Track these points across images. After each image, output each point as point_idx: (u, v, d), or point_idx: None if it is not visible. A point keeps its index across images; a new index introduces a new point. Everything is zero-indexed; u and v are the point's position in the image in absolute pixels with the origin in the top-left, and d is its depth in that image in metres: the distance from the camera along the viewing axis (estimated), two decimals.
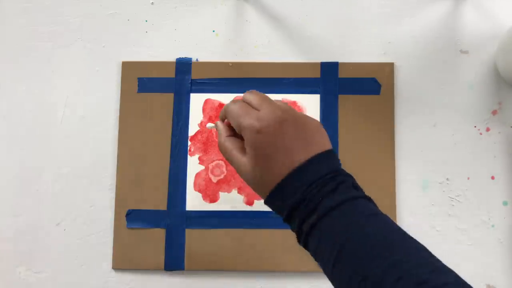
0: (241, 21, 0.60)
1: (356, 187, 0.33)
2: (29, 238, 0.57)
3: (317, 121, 0.36)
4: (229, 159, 0.38)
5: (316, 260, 0.33)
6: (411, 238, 0.31)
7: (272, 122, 0.34)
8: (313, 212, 0.32)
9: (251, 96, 0.38)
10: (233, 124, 0.37)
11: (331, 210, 0.31)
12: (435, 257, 0.29)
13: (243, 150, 0.37)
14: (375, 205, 0.33)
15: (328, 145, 0.35)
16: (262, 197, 0.36)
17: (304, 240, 0.33)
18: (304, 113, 0.37)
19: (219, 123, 0.41)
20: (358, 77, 0.57)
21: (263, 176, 0.34)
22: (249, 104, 0.37)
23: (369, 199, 0.33)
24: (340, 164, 0.35)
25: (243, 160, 0.36)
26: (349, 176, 0.34)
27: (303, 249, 0.52)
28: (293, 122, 0.35)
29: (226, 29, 0.59)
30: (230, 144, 0.38)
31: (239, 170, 0.37)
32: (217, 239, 0.55)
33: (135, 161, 0.57)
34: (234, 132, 0.39)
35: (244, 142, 0.36)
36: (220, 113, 0.41)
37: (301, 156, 0.33)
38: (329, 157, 0.34)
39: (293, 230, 0.34)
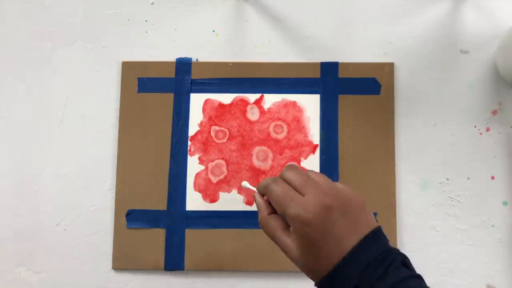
0: (241, 21, 0.60)
1: (406, 264, 0.33)
2: (29, 238, 0.57)
3: (361, 197, 0.36)
4: (273, 239, 0.37)
5: None
6: None
7: (321, 212, 0.33)
8: None
9: (293, 176, 0.36)
10: (277, 209, 0.36)
11: None
12: None
13: (287, 230, 0.36)
14: (424, 283, 0.33)
15: (374, 223, 0.34)
16: (313, 280, 0.35)
17: None
18: (346, 188, 0.36)
19: (258, 198, 0.39)
20: (358, 77, 0.57)
21: (313, 264, 0.34)
22: (290, 184, 0.36)
23: (418, 277, 0.33)
24: (387, 241, 0.34)
25: (290, 244, 0.35)
26: (398, 254, 0.33)
27: None
28: (340, 207, 0.34)
29: (226, 29, 0.59)
30: (273, 223, 0.37)
31: (285, 252, 0.36)
32: (217, 239, 0.55)
33: (135, 161, 0.57)
34: (274, 209, 0.38)
35: (291, 229, 0.35)
36: (258, 187, 0.40)
37: (351, 240, 0.33)
38: (377, 236, 0.34)
39: None
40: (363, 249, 0.33)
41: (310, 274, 0.35)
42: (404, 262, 0.33)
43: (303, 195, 0.34)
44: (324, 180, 0.36)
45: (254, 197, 0.40)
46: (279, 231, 0.36)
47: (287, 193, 0.35)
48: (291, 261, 0.36)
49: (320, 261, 0.33)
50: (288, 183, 0.36)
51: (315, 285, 0.35)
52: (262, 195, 0.39)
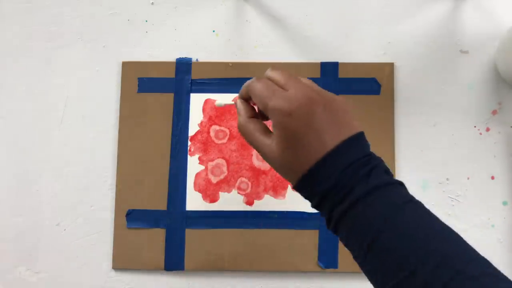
0: (241, 21, 0.60)
1: (387, 171, 0.32)
2: (29, 238, 0.57)
3: (344, 99, 0.35)
4: (251, 142, 0.36)
5: (346, 246, 0.33)
6: (448, 226, 0.31)
7: (303, 104, 0.32)
8: (345, 199, 0.31)
9: (276, 74, 0.35)
10: (258, 104, 0.35)
11: (365, 197, 0.30)
12: (471, 247, 0.29)
13: (267, 132, 0.35)
14: (407, 191, 0.32)
15: (357, 127, 0.33)
16: (291, 183, 0.34)
17: (334, 227, 0.32)
18: (328, 91, 0.35)
19: (239, 102, 0.38)
20: (358, 77, 0.57)
21: (292, 161, 0.33)
22: (274, 82, 0.35)
23: (401, 184, 0.32)
24: (369, 146, 0.34)
25: (270, 144, 0.34)
26: (380, 160, 0.33)
27: (303, 249, 0.52)
28: (323, 102, 0.33)
29: (226, 29, 0.59)
30: (253, 126, 0.36)
31: (264, 154, 0.35)
32: (217, 239, 0.55)
33: (135, 161, 0.57)
34: (255, 113, 0.38)
35: (272, 124, 0.33)
36: (240, 91, 0.39)
37: (333, 139, 0.32)
38: (360, 140, 0.33)
39: (321, 215, 0.33)
40: (346, 149, 0.32)
41: (289, 174, 0.34)
42: (386, 170, 0.32)
43: (285, 90, 0.34)
44: (308, 80, 0.36)
45: (235, 104, 0.39)
46: (258, 133, 0.35)
47: (269, 87, 0.34)
48: (270, 165, 0.35)
49: (300, 157, 0.32)
50: (271, 80, 0.35)
51: (293, 188, 0.34)
52: (245, 100, 0.38)
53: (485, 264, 0.28)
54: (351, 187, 0.31)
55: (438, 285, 0.27)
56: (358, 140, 0.32)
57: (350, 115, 0.34)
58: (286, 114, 0.32)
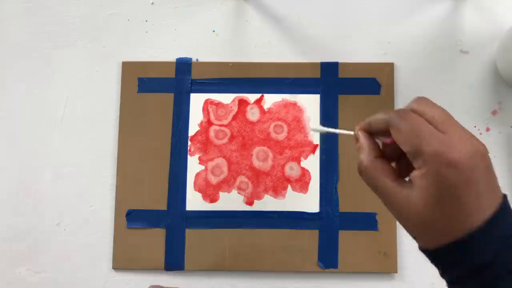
0: (241, 21, 0.60)
1: None
2: (29, 238, 0.57)
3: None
4: (377, 188, 0.30)
5: None
6: None
7: (471, 155, 0.27)
8: (505, 277, 0.26)
9: (430, 110, 0.29)
10: (403, 145, 0.28)
11: None
12: None
13: (399, 179, 0.30)
14: None
15: (501, 191, 0.28)
16: (427, 244, 0.28)
17: None
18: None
19: (362, 136, 0.32)
20: (358, 77, 0.57)
21: (441, 221, 0.27)
22: (424, 117, 0.29)
23: None
24: None
25: (407, 194, 0.28)
26: None
27: (303, 249, 0.50)
28: (488, 158, 0.28)
29: (226, 29, 0.59)
30: (381, 169, 0.30)
31: (395, 205, 0.29)
32: (217, 239, 0.55)
33: (135, 161, 0.57)
34: (381, 153, 0.31)
35: (423, 172, 0.27)
36: (363, 123, 0.32)
37: (491, 202, 0.27)
38: (508, 207, 0.28)
39: (444, 275, 0.29)
40: (503, 217, 0.27)
41: (430, 234, 0.28)
42: None
43: (443, 133, 0.28)
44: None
45: (354, 136, 0.32)
46: (388, 178, 0.29)
47: (424, 127, 0.28)
48: (399, 219, 0.29)
49: (452, 219, 0.27)
50: (422, 116, 0.29)
51: (426, 249, 0.28)
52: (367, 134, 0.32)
53: None
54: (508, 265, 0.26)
55: None
56: (507, 207, 0.28)
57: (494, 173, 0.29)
58: (449, 164, 0.26)
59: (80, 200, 0.57)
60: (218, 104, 0.57)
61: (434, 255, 0.28)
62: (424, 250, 0.29)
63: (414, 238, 0.29)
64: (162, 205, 0.56)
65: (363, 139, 0.32)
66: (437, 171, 0.26)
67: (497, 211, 0.27)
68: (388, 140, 0.31)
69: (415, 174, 0.28)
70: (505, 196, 0.28)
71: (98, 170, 0.57)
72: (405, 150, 0.28)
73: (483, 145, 0.28)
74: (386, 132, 0.30)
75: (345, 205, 0.55)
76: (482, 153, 0.27)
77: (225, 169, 0.56)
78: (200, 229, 0.55)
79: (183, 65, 0.58)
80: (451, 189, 0.26)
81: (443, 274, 0.29)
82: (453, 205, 0.26)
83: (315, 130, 0.36)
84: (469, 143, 0.27)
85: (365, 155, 0.31)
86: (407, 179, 0.30)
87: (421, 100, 0.30)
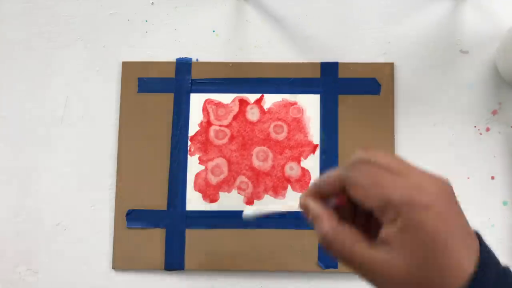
0: (241, 21, 0.60)
1: None
2: (29, 238, 0.57)
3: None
4: (347, 258, 0.26)
5: None
6: None
7: (442, 194, 0.25)
8: None
9: (383, 158, 0.26)
10: (363, 200, 0.26)
11: None
12: None
13: (369, 242, 0.26)
14: None
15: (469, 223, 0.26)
16: None
17: None
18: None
19: (312, 204, 0.28)
20: (358, 77, 0.57)
21: (430, 279, 0.24)
22: (384, 169, 0.26)
23: None
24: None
25: (384, 257, 0.24)
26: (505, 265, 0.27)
27: (303, 249, 0.51)
28: (453, 191, 0.25)
29: (226, 29, 0.59)
30: (349, 235, 0.26)
31: (372, 272, 0.25)
32: (217, 239, 0.55)
33: (135, 161, 0.57)
34: (339, 217, 0.28)
35: (399, 226, 0.24)
36: (309, 188, 0.30)
37: (473, 246, 0.25)
38: (485, 244, 0.26)
39: None
40: (488, 261, 0.25)
41: None
42: None
43: (406, 178, 0.25)
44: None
45: (303, 206, 0.29)
46: (358, 244, 0.26)
47: (385, 176, 0.25)
48: (380, 285, 0.25)
49: (443, 273, 0.23)
50: (376, 166, 0.26)
51: None
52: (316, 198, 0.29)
53: None
54: None
55: None
56: (486, 245, 0.26)
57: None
58: (426, 207, 0.24)
59: (80, 200, 0.57)
60: (218, 104, 0.57)
61: None
62: None
63: None
64: (162, 205, 0.56)
65: (316, 207, 0.28)
66: (414, 219, 0.24)
67: (484, 252, 0.25)
68: (343, 201, 0.27)
69: (389, 231, 0.24)
70: (477, 233, 0.26)
71: (98, 170, 0.57)
72: (371, 206, 0.25)
73: (446, 179, 0.26)
74: (337, 194, 0.28)
75: None
76: (447, 191, 0.26)
77: (225, 169, 0.56)
78: (200, 229, 0.55)
79: (183, 65, 0.58)
80: (430, 236, 0.23)
81: None
82: (436, 255, 0.24)
83: (248, 217, 0.33)
84: (434, 182, 0.25)
85: (326, 224, 0.27)
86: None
87: (367, 150, 0.27)
